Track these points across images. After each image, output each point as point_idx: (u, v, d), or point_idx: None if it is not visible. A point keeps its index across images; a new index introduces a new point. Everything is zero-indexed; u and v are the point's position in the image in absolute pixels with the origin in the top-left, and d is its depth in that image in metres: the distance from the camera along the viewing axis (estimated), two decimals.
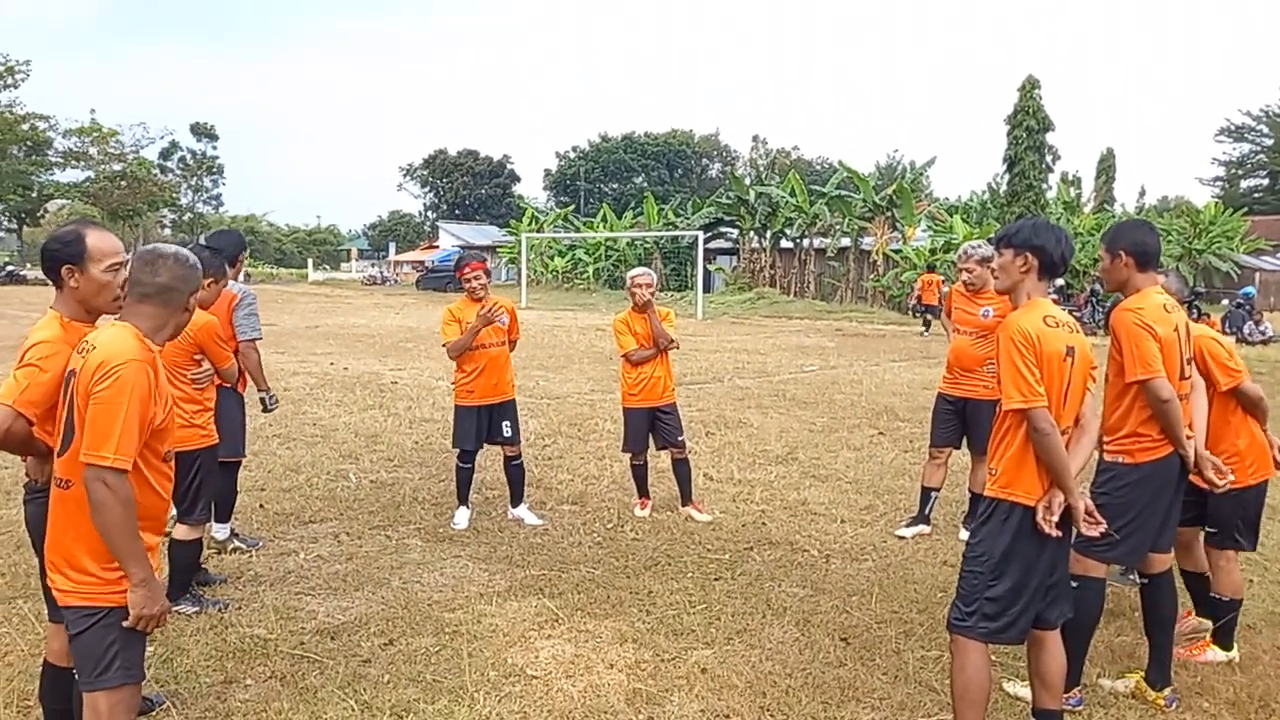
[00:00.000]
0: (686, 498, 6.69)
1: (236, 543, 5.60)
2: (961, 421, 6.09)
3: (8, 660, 4.05)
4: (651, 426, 6.57)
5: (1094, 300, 26.23)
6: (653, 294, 6.57)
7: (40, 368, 2.86)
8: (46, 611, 3.17)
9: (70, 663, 3.03)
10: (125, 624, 2.61)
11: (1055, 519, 3.08)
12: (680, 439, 6.65)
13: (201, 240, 5.90)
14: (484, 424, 6.23)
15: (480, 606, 4.80)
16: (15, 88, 53.15)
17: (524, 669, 4.09)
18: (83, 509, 2.58)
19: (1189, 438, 3.70)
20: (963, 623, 3.16)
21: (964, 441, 6.19)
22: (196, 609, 4.61)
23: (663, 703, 3.81)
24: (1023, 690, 3.76)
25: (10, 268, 48.15)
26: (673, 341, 6.61)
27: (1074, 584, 3.70)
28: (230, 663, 4.09)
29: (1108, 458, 3.75)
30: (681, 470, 6.68)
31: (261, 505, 6.56)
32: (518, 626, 4.56)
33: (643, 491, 6.72)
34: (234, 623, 4.52)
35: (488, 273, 6.35)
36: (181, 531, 4.54)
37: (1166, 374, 3.56)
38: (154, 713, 3.60)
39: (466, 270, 6.24)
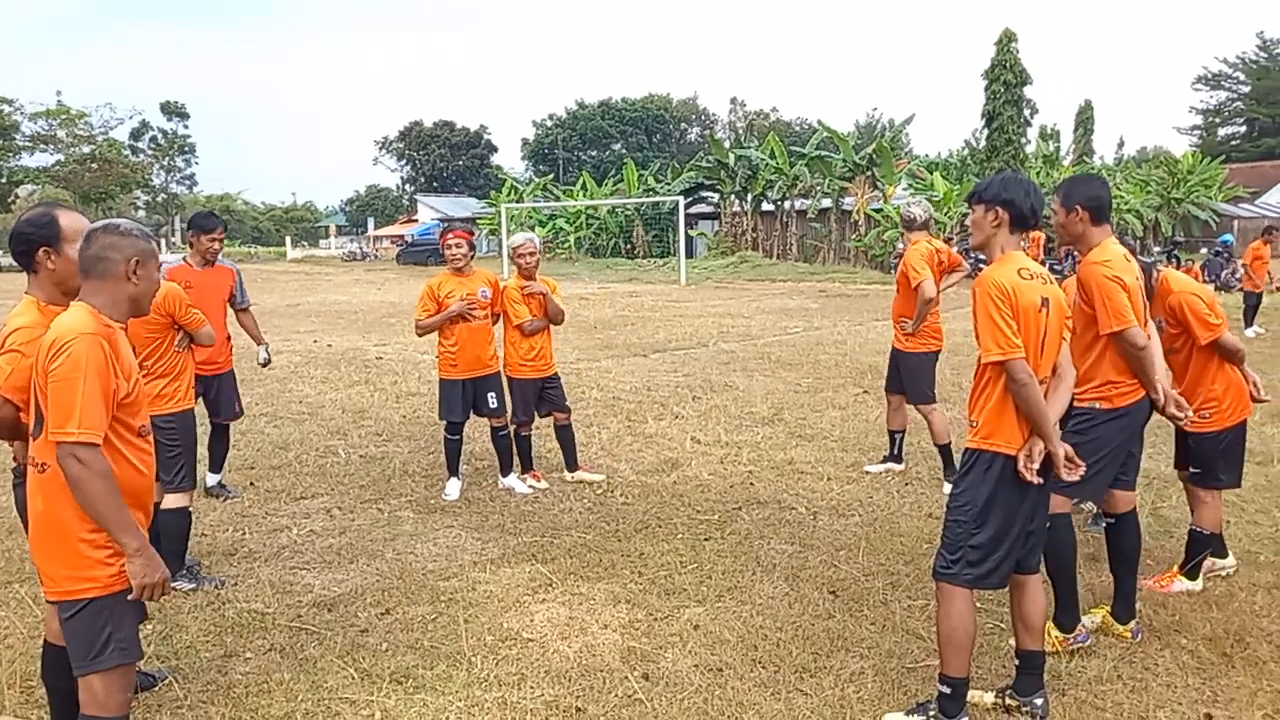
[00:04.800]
0: (573, 463, 6.68)
1: (223, 492, 6.24)
2: (897, 370, 6.62)
3: (8, 643, 4.09)
4: (540, 396, 6.52)
5: (1072, 255, 26.39)
6: (536, 261, 6.42)
7: (22, 353, 2.85)
8: (43, 593, 3.20)
9: None
10: (130, 597, 2.61)
11: (1036, 466, 3.15)
12: (567, 404, 6.67)
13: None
14: (469, 396, 6.25)
15: (474, 574, 4.87)
16: None
17: (520, 633, 4.17)
18: (64, 491, 2.55)
19: (1157, 381, 3.81)
20: (947, 570, 3.24)
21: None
22: (193, 586, 4.65)
23: (657, 659, 3.89)
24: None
25: None
26: (563, 314, 6.55)
27: (1045, 524, 3.84)
28: (229, 637, 4.15)
29: (1081, 404, 3.86)
30: (565, 436, 6.67)
31: (252, 483, 6.59)
32: (512, 592, 4.63)
33: (529, 463, 6.60)
34: (231, 598, 4.56)
35: (472, 245, 6.32)
36: (170, 500, 4.55)
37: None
38: (156, 688, 3.65)
39: (449, 237, 6.23)
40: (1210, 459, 4.39)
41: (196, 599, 4.53)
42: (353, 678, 3.75)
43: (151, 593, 2.63)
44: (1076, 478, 3.23)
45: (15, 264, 3.13)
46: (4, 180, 55.35)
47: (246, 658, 3.96)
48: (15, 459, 3.13)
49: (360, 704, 3.55)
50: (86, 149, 57.59)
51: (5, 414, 2.86)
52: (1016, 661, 3.45)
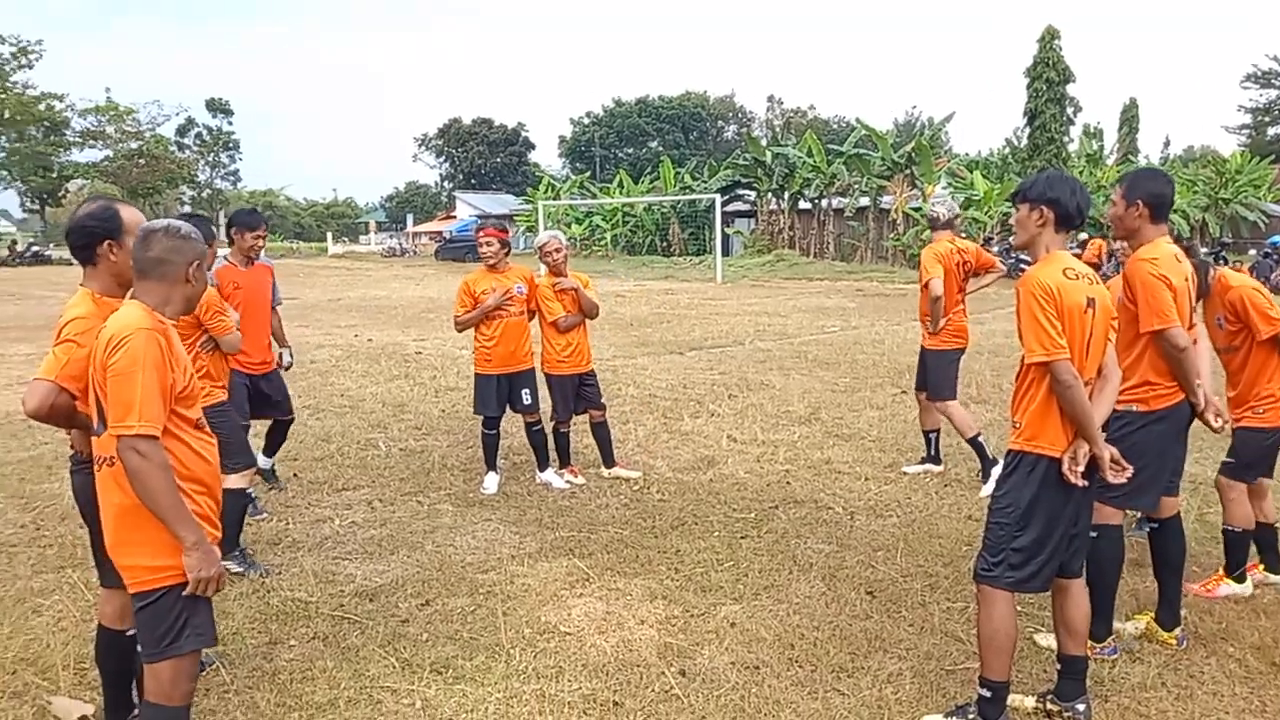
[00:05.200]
0: (609, 459, 6.72)
1: (271, 479, 6.44)
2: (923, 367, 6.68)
3: (61, 626, 4.20)
4: (577, 392, 6.54)
5: (1114, 255, 25.94)
6: (564, 257, 6.44)
7: (78, 343, 2.92)
8: (97, 577, 3.29)
9: (124, 624, 3.15)
10: (185, 591, 2.63)
11: (1081, 469, 3.12)
12: (603, 401, 6.69)
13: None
14: (504, 391, 6.30)
15: (512, 567, 4.91)
16: (29, 68, 53.47)
17: (557, 626, 4.20)
18: (127, 484, 2.60)
19: (1198, 385, 3.74)
20: (989, 573, 3.22)
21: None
22: (242, 569, 4.76)
23: (693, 655, 3.91)
24: (1051, 641, 3.83)
25: (35, 248, 48.67)
26: (597, 308, 6.57)
27: (1092, 533, 3.77)
28: (274, 625, 4.23)
29: (1119, 406, 3.79)
30: (602, 433, 6.69)
31: (295, 475, 6.70)
32: (550, 586, 4.67)
33: (567, 459, 6.64)
34: (275, 587, 4.66)
35: (505, 242, 6.34)
36: (228, 481, 4.63)
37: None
38: (205, 673, 3.73)
39: (481, 235, 6.27)
40: (1253, 455, 4.33)
41: (243, 586, 4.62)
42: (394, 667, 3.81)
43: (207, 586, 2.65)
44: (1123, 480, 3.19)
45: (71, 257, 3.20)
46: (55, 175, 56.71)
47: (291, 645, 4.04)
48: (73, 446, 3.19)
49: (401, 693, 3.61)
50: (134, 145, 58.91)
51: (60, 402, 2.93)
52: (1059, 666, 3.42)
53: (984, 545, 3.27)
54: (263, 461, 6.32)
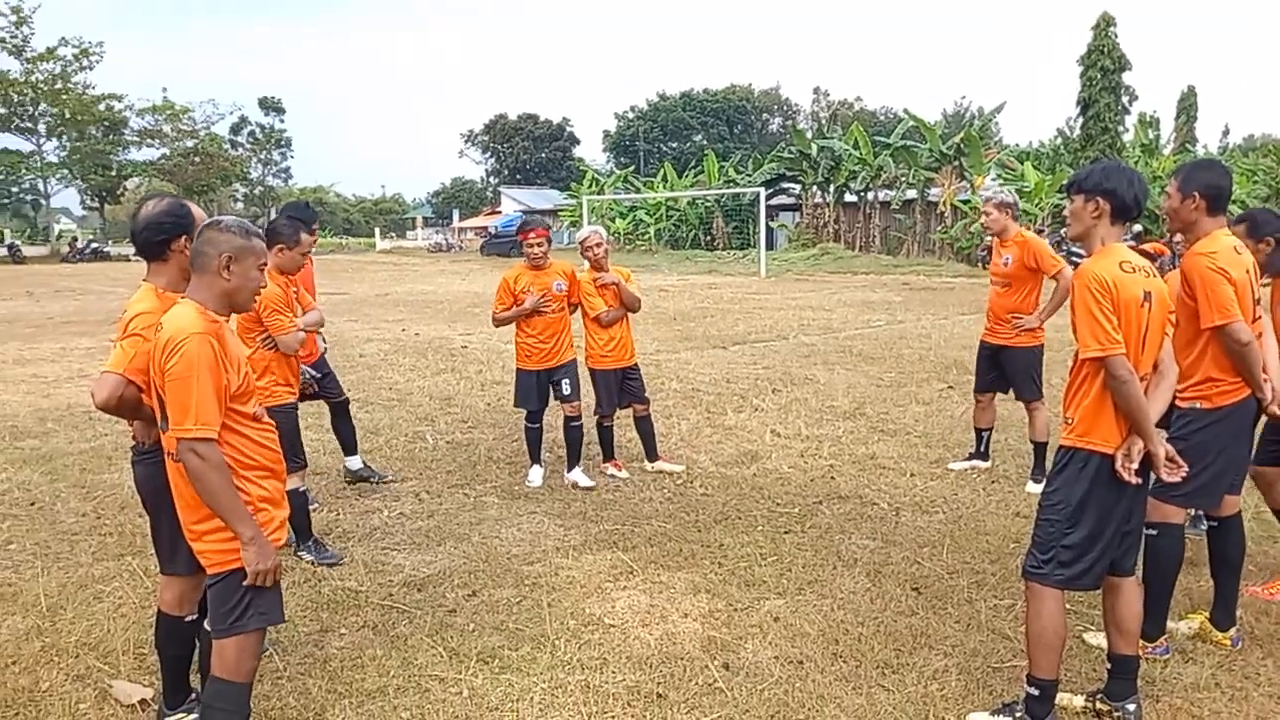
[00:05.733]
0: (653, 454, 6.72)
1: (371, 474, 6.46)
2: (998, 368, 6.35)
3: (121, 612, 4.34)
4: (620, 387, 6.53)
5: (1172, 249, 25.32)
6: (605, 252, 6.41)
7: (144, 337, 3.02)
8: (157, 565, 3.39)
9: (182, 610, 3.27)
10: (244, 583, 2.78)
11: (1135, 466, 3.06)
12: (646, 396, 6.69)
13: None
14: (544, 385, 6.33)
15: (557, 560, 4.96)
16: (90, 69, 54.89)
17: (602, 618, 4.24)
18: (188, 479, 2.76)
19: (1265, 379, 3.64)
20: (1038, 570, 3.18)
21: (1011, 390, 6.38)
22: (313, 558, 4.90)
23: (737, 649, 3.92)
24: (1100, 639, 3.78)
25: (95, 244, 50.06)
26: (639, 302, 6.54)
27: (1153, 531, 3.71)
28: (325, 613, 4.32)
29: (1182, 404, 3.71)
30: (645, 427, 6.70)
31: (345, 466, 6.82)
32: (594, 578, 4.71)
33: (611, 453, 6.65)
34: (326, 576, 4.76)
35: (549, 240, 6.37)
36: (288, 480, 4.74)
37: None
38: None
39: (530, 236, 6.24)
40: None
41: (294, 575, 4.73)
42: (441, 656, 3.88)
43: (265, 578, 2.79)
44: (1178, 478, 3.13)
45: (133, 253, 3.32)
46: (114, 173, 58.18)
47: (341, 633, 4.12)
48: (134, 437, 3.29)
49: (449, 682, 3.67)
50: (190, 143, 60.17)
51: (129, 394, 3.04)
52: (1108, 665, 3.36)
53: (1033, 542, 3.23)
54: (352, 464, 6.42)
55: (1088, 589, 3.28)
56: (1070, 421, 3.18)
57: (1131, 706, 3.28)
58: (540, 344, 6.27)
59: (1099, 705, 3.33)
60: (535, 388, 6.33)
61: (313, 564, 4.87)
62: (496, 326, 6.49)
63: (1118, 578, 3.27)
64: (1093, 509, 3.11)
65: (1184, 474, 3.14)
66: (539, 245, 6.22)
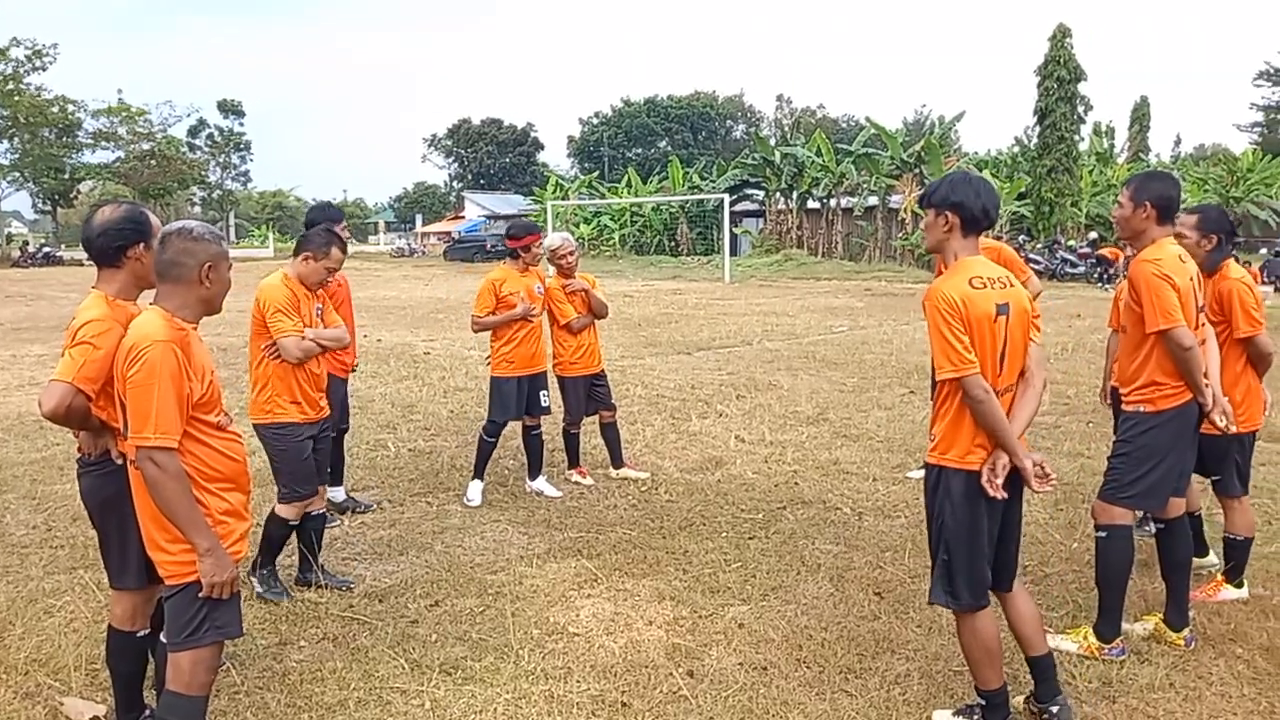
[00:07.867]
0: (618, 460, 6.71)
1: (354, 505, 5.98)
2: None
3: (73, 627, 4.23)
4: (588, 393, 6.50)
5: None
6: (576, 259, 6.41)
7: (94, 345, 2.95)
8: (108, 579, 3.31)
9: (134, 625, 3.21)
10: (199, 594, 2.72)
11: (1000, 481, 3.03)
12: (613, 402, 6.70)
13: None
14: (524, 394, 6.17)
15: (521, 568, 4.93)
16: (43, 70, 53.65)
17: (566, 627, 4.22)
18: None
19: (1206, 385, 3.72)
20: (934, 594, 3.19)
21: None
22: (262, 590, 4.55)
23: (702, 656, 3.92)
24: (1066, 644, 3.84)
25: (47, 249, 48.96)
26: (606, 308, 6.55)
27: (1102, 533, 3.79)
28: (284, 625, 4.25)
29: (1128, 408, 3.79)
30: (611, 434, 6.68)
31: None
32: (558, 587, 4.68)
33: (576, 460, 6.63)
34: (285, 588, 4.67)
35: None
36: (276, 509, 4.59)
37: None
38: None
39: (534, 239, 6.15)
40: (1225, 463, 4.25)
41: (252, 587, 4.64)
42: (403, 668, 3.83)
43: (222, 590, 2.74)
44: (1049, 489, 3.10)
45: (84, 258, 3.25)
46: (67, 177, 56.95)
47: (300, 646, 4.06)
48: (79, 449, 3.20)
49: (411, 693, 3.63)
50: (146, 146, 59.06)
51: (77, 403, 2.96)
52: (1030, 671, 3.36)
53: (932, 571, 3.23)
54: (334, 495, 5.86)
55: (972, 609, 3.17)
56: (934, 439, 3.15)
57: (1055, 708, 3.27)
58: (522, 349, 6.14)
59: (1031, 708, 3.35)
60: (516, 395, 6.14)
61: (260, 596, 4.55)
62: (476, 332, 6.32)
63: (1003, 594, 3.26)
64: (961, 527, 3.08)
65: (1052, 485, 3.08)
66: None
